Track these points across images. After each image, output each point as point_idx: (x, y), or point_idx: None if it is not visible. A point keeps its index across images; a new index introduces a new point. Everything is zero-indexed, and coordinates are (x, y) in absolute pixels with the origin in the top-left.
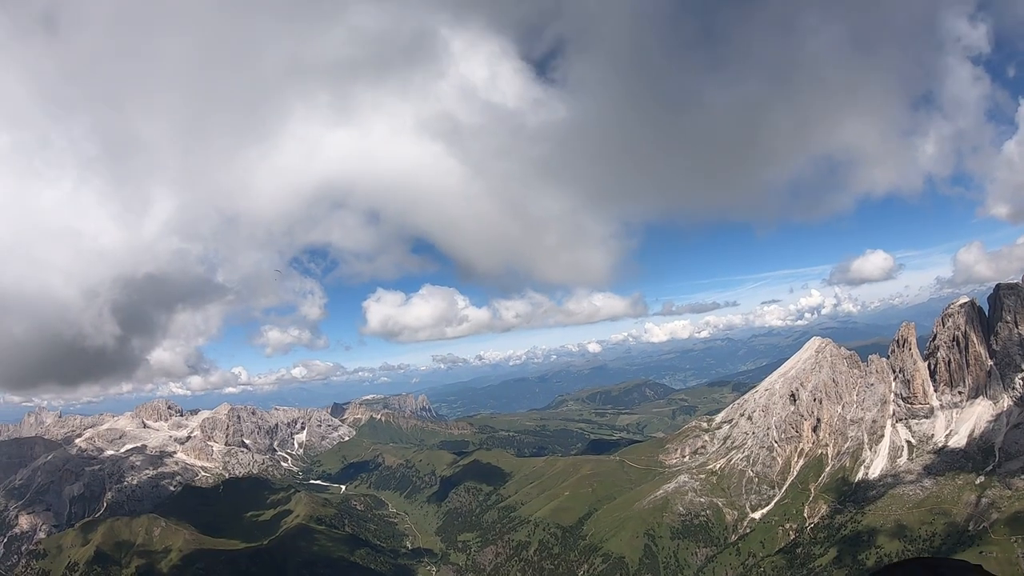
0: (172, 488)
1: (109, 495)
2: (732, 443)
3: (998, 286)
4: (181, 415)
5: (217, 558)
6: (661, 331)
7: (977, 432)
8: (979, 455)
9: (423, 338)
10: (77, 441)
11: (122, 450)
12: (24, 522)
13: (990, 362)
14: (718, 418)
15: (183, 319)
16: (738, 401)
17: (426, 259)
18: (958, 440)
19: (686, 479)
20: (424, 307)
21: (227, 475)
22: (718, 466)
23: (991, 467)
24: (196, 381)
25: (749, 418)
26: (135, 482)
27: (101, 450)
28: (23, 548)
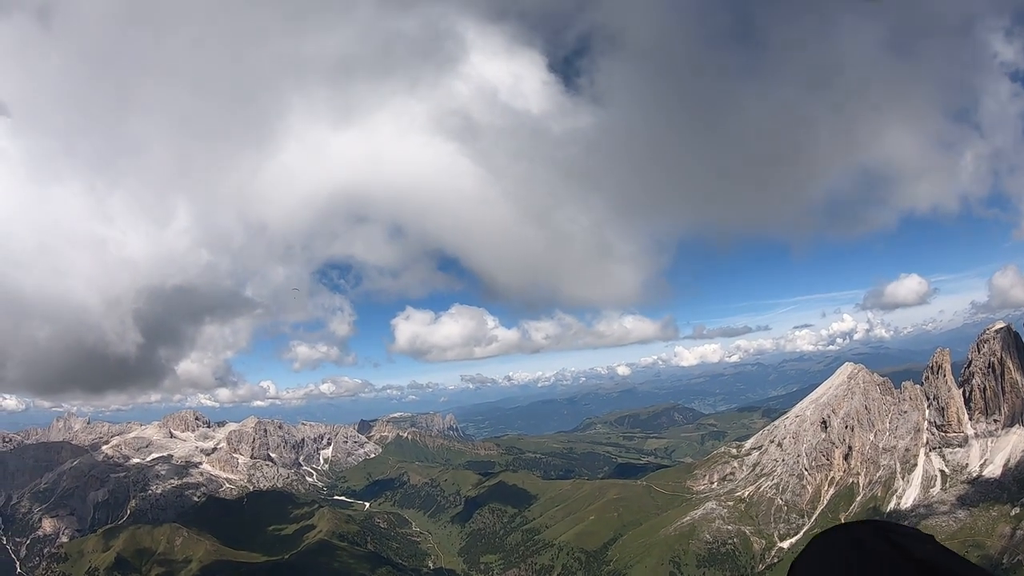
0: (196, 499)
1: (133, 503)
2: (761, 470)
3: None
4: (208, 426)
5: (237, 570)
6: (691, 355)
7: (1013, 462)
8: (1015, 486)
9: (451, 357)
10: (104, 448)
11: (148, 459)
12: (48, 525)
13: None
14: (747, 444)
15: (211, 331)
16: (768, 427)
17: (452, 277)
18: (993, 470)
19: (714, 506)
20: (453, 326)
21: (251, 488)
22: (746, 493)
23: None
24: (224, 393)
25: (779, 445)
26: (159, 491)
27: (127, 458)
28: (45, 551)
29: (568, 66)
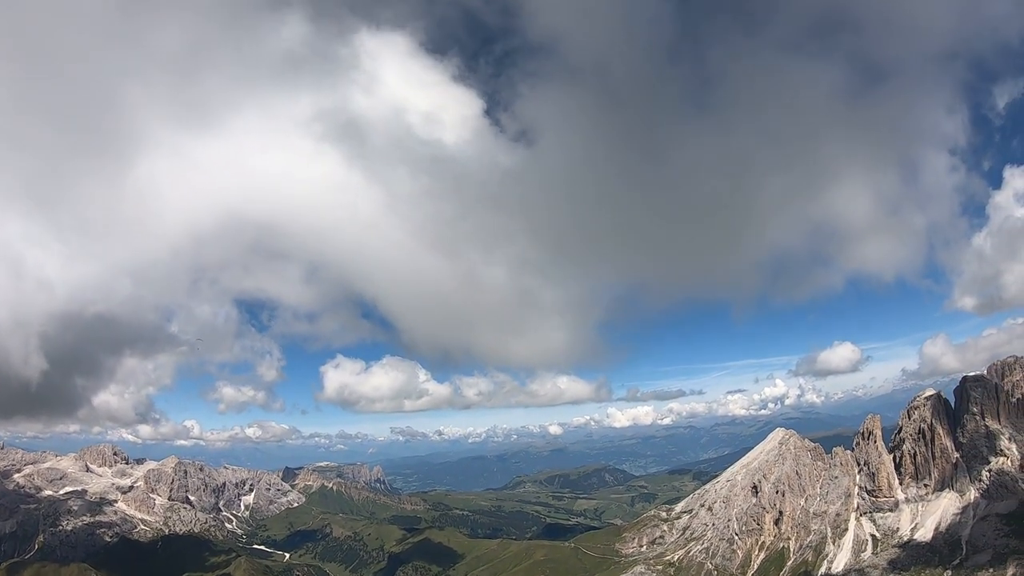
0: (108, 538)
1: (41, 538)
2: (691, 534)
3: (965, 378)
4: (127, 463)
5: None
6: (624, 416)
7: (943, 525)
8: (945, 549)
9: (380, 409)
10: (16, 476)
11: (61, 492)
12: None
13: (956, 455)
14: (678, 508)
15: (132, 365)
16: (699, 491)
17: (375, 325)
18: (924, 534)
19: (643, 570)
20: (384, 377)
21: (167, 531)
22: (676, 557)
23: (958, 560)
24: (146, 430)
25: (709, 509)
26: (70, 527)
27: (39, 489)
28: None
29: (490, 88)
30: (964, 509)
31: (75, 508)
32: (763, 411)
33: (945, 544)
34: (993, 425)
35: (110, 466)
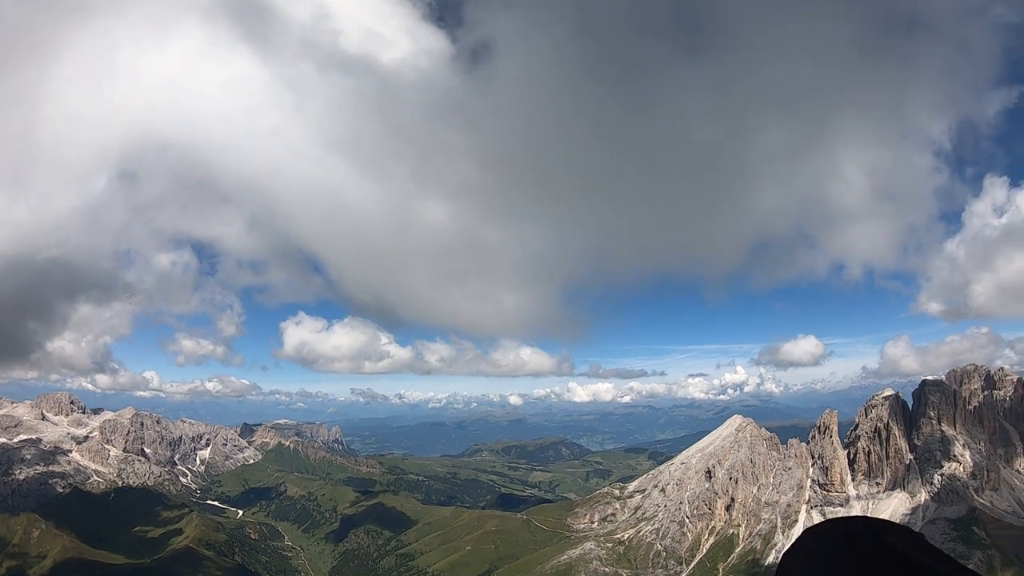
0: (60, 489)
1: None
2: (643, 514)
3: (924, 382)
4: (84, 412)
5: (93, 571)
6: (584, 391)
7: None
8: None
9: (339, 369)
10: None
11: (15, 440)
12: None
13: (910, 456)
14: (631, 487)
15: (87, 312)
16: (653, 471)
17: (320, 280)
18: None
19: (592, 546)
20: (344, 337)
21: (120, 483)
22: (626, 536)
23: None
24: (104, 380)
25: (663, 490)
26: (22, 477)
27: None
28: None
29: (446, 10)
30: (914, 510)
31: (28, 457)
32: (722, 396)
33: None
34: (948, 431)
35: (67, 415)
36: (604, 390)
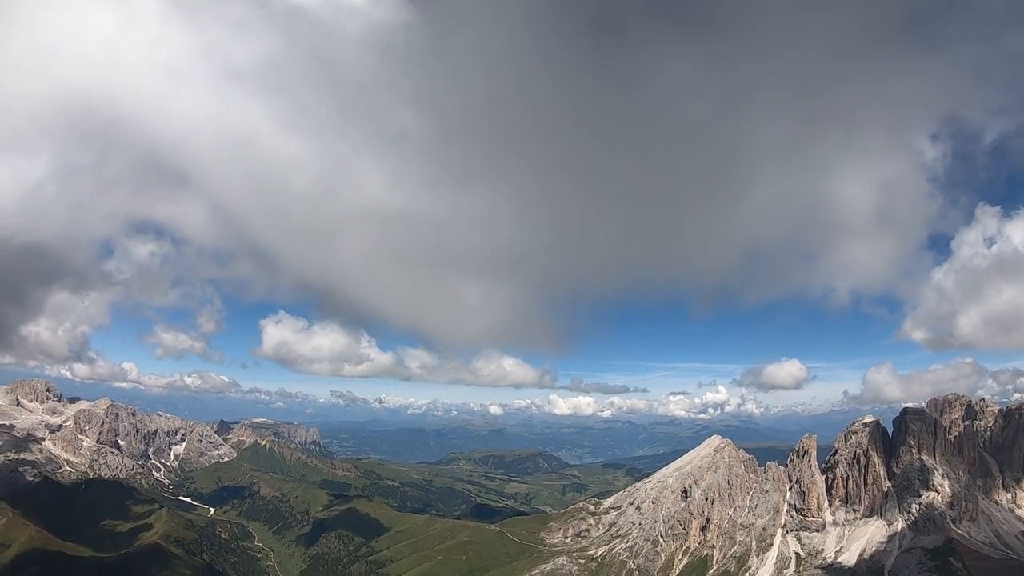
0: (31, 478)
1: None
2: (617, 531)
3: (905, 410)
4: (59, 400)
5: (57, 563)
6: (565, 404)
7: (868, 552)
8: (868, 575)
9: (318, 371)
10: None
11: None
12: None
13: (888, 484)
14: (607, 503)
15: (63, 299)
16: (630, 488)
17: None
18: (848, 558)
19: (564, 562)
20: (324, 339)
21: (92, 475)
22: (599, 553)
23: None
24: (82, 369)
25: (638, 508)
26: None
27: None
28: None
29: None
30: (890, 538)
31: (0, 443)
32: (702, 415)
33: (868, 571)
34: (928, 460)
35: (42, 402)
36: (585, 404)
